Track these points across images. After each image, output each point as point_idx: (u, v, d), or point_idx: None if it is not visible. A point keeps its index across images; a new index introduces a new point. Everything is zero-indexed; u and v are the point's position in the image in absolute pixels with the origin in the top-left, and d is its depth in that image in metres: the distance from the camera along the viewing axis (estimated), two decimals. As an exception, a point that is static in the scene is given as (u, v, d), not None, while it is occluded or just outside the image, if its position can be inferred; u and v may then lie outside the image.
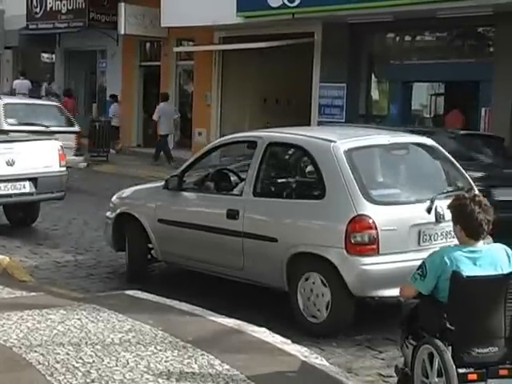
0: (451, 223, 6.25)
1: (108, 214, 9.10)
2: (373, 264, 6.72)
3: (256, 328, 6.35)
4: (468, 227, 4.89)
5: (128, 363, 5.31)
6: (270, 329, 6.39)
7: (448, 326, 4.76)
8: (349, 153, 7.10)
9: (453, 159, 7.89)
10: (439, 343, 4.73)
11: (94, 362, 5.32)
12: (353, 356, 6.30)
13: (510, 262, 4.95)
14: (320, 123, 18.15)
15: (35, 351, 5.49)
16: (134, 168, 18.94)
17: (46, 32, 25.26)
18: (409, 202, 7.14)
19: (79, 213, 12.99)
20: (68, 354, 5.45)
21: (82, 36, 24.10)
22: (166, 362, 5.37)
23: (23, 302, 6.99)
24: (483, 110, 15.12)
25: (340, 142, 7.28)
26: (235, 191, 7.97)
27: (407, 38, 17.69)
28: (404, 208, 7.05)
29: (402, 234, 6.86)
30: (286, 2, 16.75)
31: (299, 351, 5.80)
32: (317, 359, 5.69)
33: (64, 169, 11.16)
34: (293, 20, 17.24)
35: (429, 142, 8.05)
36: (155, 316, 6.46)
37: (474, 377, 4.75)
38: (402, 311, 5.23)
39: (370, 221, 6.72)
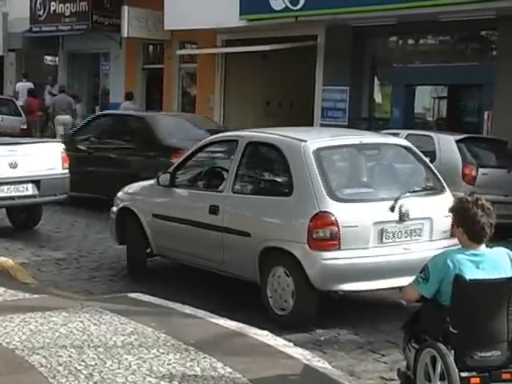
0: (416, 222, 6.72)
1: (113, 208, 9.46)
2: (334, 259, 6.97)
3: (258, 331, 6.35)
4: (470, 230, 4.87)
5: (130, 366, 5.32)
6: (271, 331, 6.41)
7: (451, 329, 4.75)
8: (318, 152, 7.36)
9: (427, 160, 8.11)
10: (442, 347, 4.73)
11: (96, 364, 5.32)
12: (355, 359, 6.30)
13: None
14: (323, 126, 18.16)
15: (38, 353, 5.50)
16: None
17: (49, 35, 25.27)
18: (372, 200, 7.35)
19: (82, 215, 13.00)
20: (70, 357, 5.45)
21: (85, 39, 24.12)
22: (168, 364, 5.37)
23: (26, 304, 6.99)
24: (486, 113, 15.11)
25: (310, 141, 7.53)
26: (220, 188, 8.18)
27: (410, 41, 17.69)
28: (366, 206, 7.27)
29: (364, 230, 7.07)
30: (289, 5, 16.76)
31: (301, 354, 5.80)
32: (319, 362, 5.69)
33: (67, 171, 11.17)
34: (296, 23, 17.24)
35: (403, 142, 8.36)
36: (157, 318, 6.47)
37: (476, 381, 4.74)
38: (405, 315, 5.23)
39: (332, 217, 6.96)
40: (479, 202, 4.90)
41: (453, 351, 4.73)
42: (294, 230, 7.15)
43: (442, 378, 4.73)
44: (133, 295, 7.43)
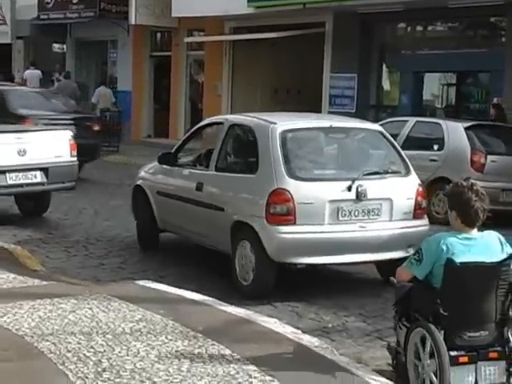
0: (374, 202, 7.30)
1: (132, 186, 10.10)
2: (289, 233, 7.41)
3: (266, 318, 6.36)
4: (464, 214, 4.99)
5: (139, 352, 5.33)
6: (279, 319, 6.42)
7: (441, 311, 4.89)
8: (284, 133, 7.85)
9: (396, 144, 8.47)
10: (432, 327, 4.88)
11: (105, 351, 5.34)
12: (363, 346, 6.31)
13: (502, 249, 5.07)
14: (330, 113, 18.12)
15: (47, 340, 5.52)
16: (144, 158, 18.92)
17: (57, 22, 25.27)
18: (330, 179, 7.76)
19: (90, 203, 13.03)
20: (79, 343, 5.47)
21: (92, 26, 24.10)
22: (176, 351, 5.38)
23: (35, 291, 7.01)
24: (494, 99, 15.05)
25: (280, 124, 8.02)
26: (206, 167, 8.70)
27: (418, 27, 17.62)
28: (323, 185, 7.65)
29: (319, 208, 7.48)
30: (297, -8, 16.72)
31: (309, 341, 5.81)
32: (327, 350, 5.70)
33: (75, 159, 11.18)
34: (304, 10, 17.19)
35: (374, 127, 8.77)
36: (166, 306, 6.48)
37: (464, 359, 4.92)
38: (396, 294, 5.36)
39: (288, 194, 7.41)
40: (474, 187, 5.04)
41: (442, 331, 4.88)
42: (255, 206, 7.62)
43: (431, 357, 4.88)
44: (141, 282, 7.45)
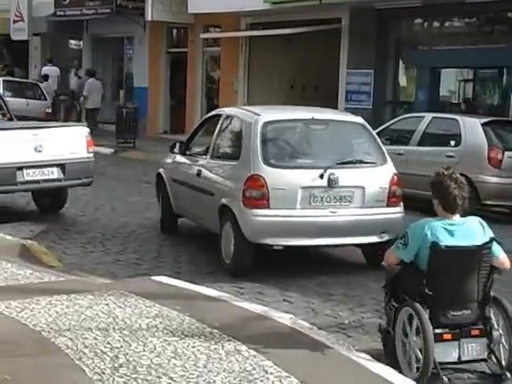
0: (346, 189, 8.16)
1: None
2: (263, 216, 8.01)
3: (282, 314, 6.36)
4: (444, 201, 5.38)
5: (155, 348, 5.35)
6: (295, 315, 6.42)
7: (427, 291, 5.28)
8: (265, 124, 8.44)
9: (376, 137, 8.90)
10: (418, 306, 5.27)
11: (121, 346, 5.36)
12: (379, 342, 6.28)
13: (484, 232, 5.42)
14: (347, 110, 18.07)
15: (64, 336, 5.54)
16: (160, 154, 18.94)
17: (73, 19, 25.34)
18: (303, 167, 8.26)
19: (106, 199, 13.07)
20: (96, 339, 5.49)
21: (109, 22, 24.15)
22: (193, 347, 5.39)
23: (52, 287, 7.04)
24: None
25: (264, 115, 8.65)
26: (205, 155, 9.39)
27: (435, 23, 17.52)
28: (296, 172, 8.20)
29: (292, 193, 8.05)
30: (314, -12, 16.68)
31: (326, 337, 5.80)
32: (343, 346, 5.69)
33: (91, 155, 11.20)
34: (320, 6, 17.15)
35: (355, 120, 9.08)
36: (182, 302, 6.49)
37: (448, 336, 5.35)
38: (385, 276, 5.82)
39: (262, 180, 8.02)
40: (453, 176, 5.41)
41: (428, 310, 5.28)
42: (235, 190, 8.27)
43: (417, 334, 5.27)
44: (157, 278, 7.46)
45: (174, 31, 24.50)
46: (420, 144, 13.03)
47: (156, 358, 5.16)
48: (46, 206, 11.79)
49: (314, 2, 16.92)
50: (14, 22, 27.25)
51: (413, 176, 12.84)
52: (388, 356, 5.63)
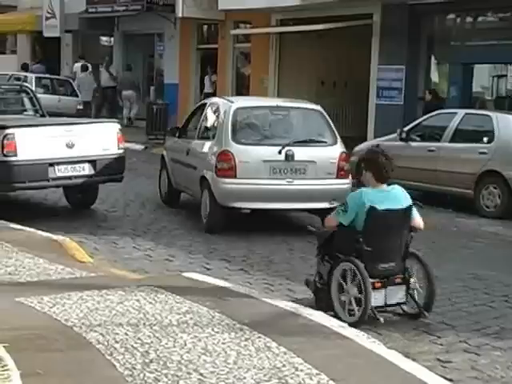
0: (301, 163, 9.94)
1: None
2: (231, 184, 9.86)
3: (312, 311, 6.34)
4: (378, 174, 6.47)
5: (186, 344, 5.35)
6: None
7: (364, 247, 6.34)
8: (237, 110, 10.32)
9: (330, 121, 10.49)
10: (356, 260, 6.34)
11: (152, 342, 5.37)
12: (410, 341, 6.24)
13: (406, 197, 6.55)
14: (378, 106, 17.97)
15: (95, 331, 5.57)
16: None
17: (104, 15, 25.47)
18: (265, 144, 10.06)
19: (137, 195, 13.12)
20: (127, 335, 5.51)
21: (140, 19, 24.25)
22: (223, 343, 5.39)
23: (83, 282, 7.08)
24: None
25: (236, 103, 10.65)
26: (194, 136, 11.17)
27: (468, 18, 17.34)
28: (259, 148, 10.01)
29: (255, 166, 9.89)
30: (345, -16, 16.58)
31: (356, 335, 5.77)
32: (374, 343, 5.65)
33: (122, 151, 11.24)
34: (351, 1, 17.07)
35: (314, 107, 10.73)
36: (212, 298, 6.49)
37: (379, 285, 6.46)
38: (318, 238, 6.88)
39: (231, 155, 9.85)
40: (384, 153, 6.58)
41: (363, 264, 6.31)
42: (210, 163, 10.11)
43: (354, 284, 6.32)
44: (187, 275, 7.48)
45: (205, 28, 24.53)
46: (452, 141, 12.92)
47: (186, 354, 5.16)
48: (77, 201, 11.86)
49: (345, -2, 16.84)
50: (47, 18, 27.44)
51: (445, 173, 12.75)
52: (319, 303, 6.63)
